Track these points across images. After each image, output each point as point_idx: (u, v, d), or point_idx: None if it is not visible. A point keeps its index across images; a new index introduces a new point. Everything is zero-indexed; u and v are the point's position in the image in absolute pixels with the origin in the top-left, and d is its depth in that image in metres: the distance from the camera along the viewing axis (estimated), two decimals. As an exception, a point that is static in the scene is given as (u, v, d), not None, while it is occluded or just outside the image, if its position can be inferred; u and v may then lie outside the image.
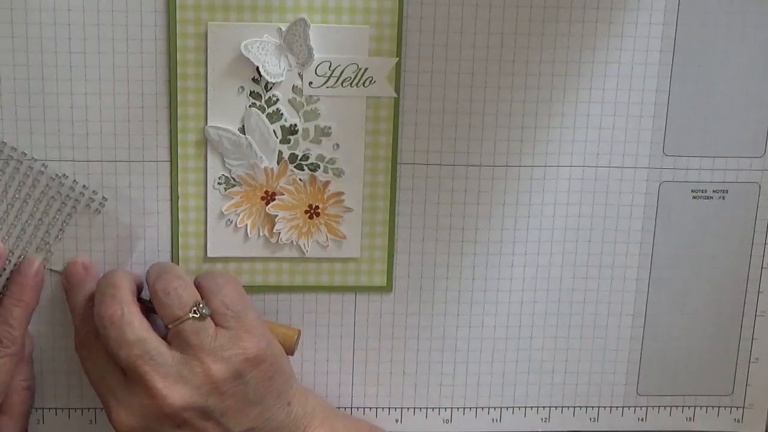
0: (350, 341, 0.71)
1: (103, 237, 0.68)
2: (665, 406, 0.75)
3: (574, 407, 0.74)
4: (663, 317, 0.73)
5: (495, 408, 0.74)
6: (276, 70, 0.65)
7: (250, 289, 0.69)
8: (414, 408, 0.73)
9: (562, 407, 0.74)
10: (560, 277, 0.72)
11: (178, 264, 0.68)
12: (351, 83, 0.66)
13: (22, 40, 0.64)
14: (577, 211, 0.70)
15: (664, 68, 0.68)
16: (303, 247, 0.69)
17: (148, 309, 0.65)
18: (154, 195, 0.67)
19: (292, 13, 0.65)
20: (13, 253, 0.67)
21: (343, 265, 0.70)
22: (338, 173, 0.68)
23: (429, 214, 0.70)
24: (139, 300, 0.65)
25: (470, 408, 0.74)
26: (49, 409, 0.71)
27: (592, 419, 0.75)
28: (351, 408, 0.73)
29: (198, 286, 0.65)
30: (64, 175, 0.66)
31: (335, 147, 0.67)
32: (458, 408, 0.74)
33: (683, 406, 0.75)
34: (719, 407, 0.75)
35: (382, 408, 0.73)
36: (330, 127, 0.67)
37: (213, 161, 0.67)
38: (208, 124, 0.66)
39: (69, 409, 0.71)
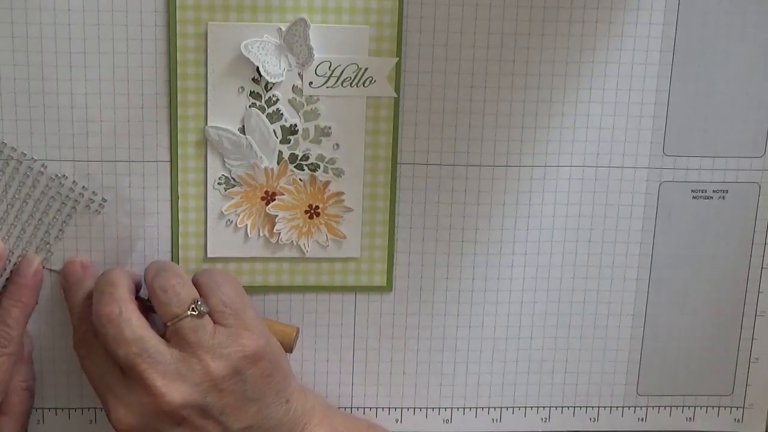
0: (350, 341, 0.71)
1: (103, 237, 0.68)
2: (665, 406, 0.75)
3: (574, 407, 0.74)
4: (663, 317, 0.73)
5: (495, 408, 0.74)
6: (276, 70, 0.65)
7: (251, 290, 0.69)
8: (414, 408, 0.73)
9: (562, 407, 0.74)
10: (560, 277, 0.72)
11: (178, 264, 0.68)
12: (351, 83, 0.66)
13: (22, 40, 0.64)
14: (577, 211, 0.70)
15: (664, 68, 0.68)
16: (303, 247, 0.69)
17: (146, 307, 0.65)
18: (154, 195, 0.67)
19: (292, 13, 0.65)
20: (13, 253, 0.67)
21: (343, 265, 0.70)
22: (338, 173, 0.68)
23: (429, 214, 0.70)
24: (138, 298, 0.65)
25: (470, 408, 0.74)
26: (49, 409, 0.71)
27: (592, 419, 0.75)
28: (351, 408, 0.73)
29: (196, 283, 0.65)
30: (64, 175, 0.66)
31: (335, 147, 0.67)
32: (458, 408, 0.74)
33: (683, 406, 0.75)
34: (719, 407, 0.75)
35: (382, 408, 0.73)
36: (330, 127, 0.67)
37: (213, 161, 0.67)
38: (208, 124, 0.66)
39: (69, 409, 0.71)
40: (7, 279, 0.66)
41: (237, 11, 0.64)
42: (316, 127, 0.67)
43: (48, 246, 0.67)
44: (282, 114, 0.66)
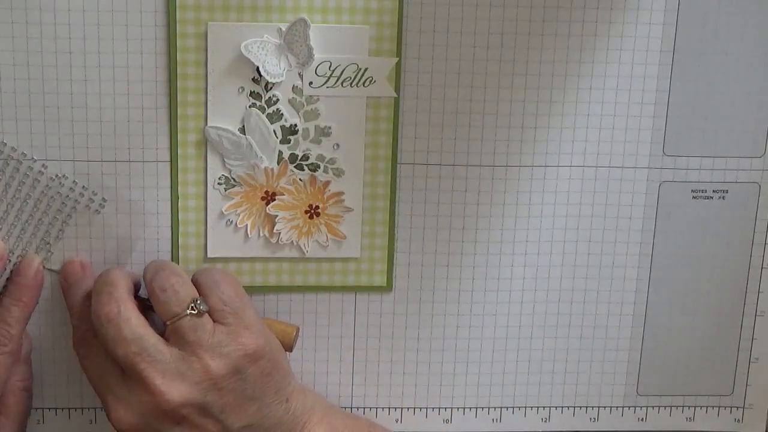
0: (350, 341, 0.71)
1: (103, 237, 0.68)
2: (665, 406, 0.75)
3: (574, 407, 0.74)
4: (663, 317, 0.73)
5: (495, 408, 0.74)
6: (276, 70, 0.65)
7: (250, 290, 0.69)
8: (414, 408, 0.73)
9: (562, 407, 0.74)
10: (560, 277, 0.72)
11: (178, 264, 0.68)
12: (351, 83, 0.66)
13: (22, 40, 0.64)
14: (577, 211, 0.70)
15: (664, 68, 0.68)
16: (303, 247, 0.69)
17: (145, 307, 0.65)
18: (154, 195, 0.67)
19: (292, 13, 0.65)
20: (13, 253, 0.67)
21: (343, 265, 0.70)
22: (338, 173, 0.68)
23: (429, 214, 0.70)
24: (137, 298, 0.65)
25: (470, 408, 0.74)
26: (49, 409, 0.71)
27: (592, 419, 0.75)
28: (351, 408, 0.73)
29: (195, 283, 0.65)
30: (64, 175, 0.66)
31: (335, 147, 0.67)
32: (458, 408, 0.74)
33: (683, 406, 0.75)
34: (719, 407, 0.75)
35: (382, 408, 0.73)
36: (330, 127, 0.67)
37: (213, 161, 0.67)
38: (208, 125, 0.66)
39: (69, 409, 0.71)
40: (7, 279, 0.66)
41: (237, 11, 0.64)
42: (316, 127, 0.67)
43: (48, 246, 0.67)
44: (282, 114, 0.66)
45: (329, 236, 0.69)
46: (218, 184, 0.67)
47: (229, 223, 0.68)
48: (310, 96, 0.66)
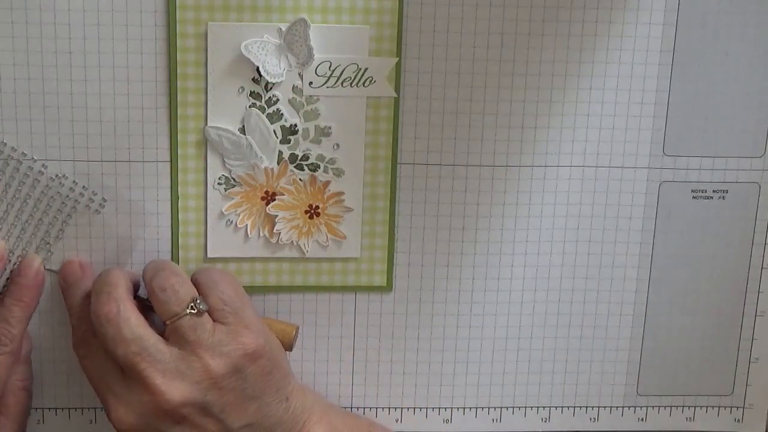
0: (350, 341, 0.71)
1: (103, 237, 0.68)
2: (665, 406, 0.75)
3: (574, 407, 0.74)
4: (663, 317, 0.73)
5: (495, 408, 0.74)
6: (276, 70, 0.65)
7: (251, 290, 0.69)
8: (414, 408, 0.73)
9: (562, 407, 0.74)
10: (560, 277, 0.72)
11: (178, 264, 0.68)
12: (351, 83, 0.66)
13: (22, 40, 0.64)
14: (577, 211, 0.70)
15: (664, 68, 0.68)
16: (303, 247, 0.69)
17: (145, 307, 0.65)
18: (154, 195, 0.67)
19: (292, 13, 0.65)
20: (13, 253, 0.67)
21: (343, 265, 0.70)
22: (338, 173, 0.68)
23: (429, 214, 0.70)
24: (137, 298, 0.65)
25: (470, 408, 0.74)
26: (49, 409, 0.71)
27: (592, 419, 0.75)
28: (351, 408, 0.73)
29: (195, 282, 0.65)
30: (64, 175, 0.66)
31: (335, 147, 0.67)
32: (458, 408, 0.74)
33: (683, 406, 0.75)
34: (719, 407, 0.75)
35: (382, 408, 0.73)
36: (330, 127, 0.67)
37: (213, 161, 0.67)
38: (208, 125, 0.66)
39: (69, 409, 0.71)
40: (7, 279, 0.66)
41: (237, 11, 0.64)
42: (316, 127, 0.67)
43: (48, 246, 0.67)
44: (282, 114, 0.66)
45: (329, 236, 0.69)
46: (218, 184, 0.67)
47: (229, 223, 0.68)
48: (310, 96, 0.66)
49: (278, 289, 0.70)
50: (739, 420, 0.76)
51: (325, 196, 0.68)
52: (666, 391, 0.74)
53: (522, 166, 0.69)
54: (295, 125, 0.66)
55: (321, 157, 0.67)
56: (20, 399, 0.67)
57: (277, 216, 0.68)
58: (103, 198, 0.67)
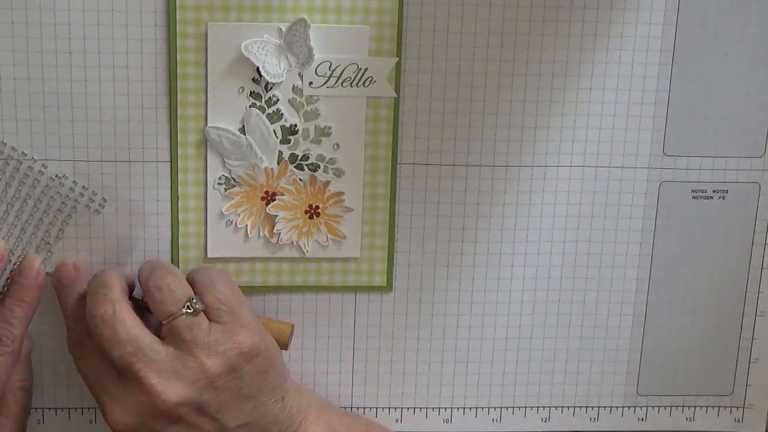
0: (350, 341, 0.71)
1: (103, 237, 0.68)
2: (665, 406, 0.75)
3: (574, 407, 0.74)
4: (663, 317, 0.73)
5: (495, 408, 0.74)
6: (276, 70, 0.65)
7: (251, 290, 0.69)
8: (414, 408, 0.73)
9: (562, 407, 0.74)
10: (560, 277, 0.72)
11: (178, 265, 0.68)
12: (351, 83, 0.66)
13: (22, 40, 0.64)
14: (577, 211, 0.70)
15: (664, 68, 0.68)
16: (303, 247, 0.69)
17: (141, 308, 0.65)
18: (154, 195, 0.67)
19: (292, 13, 0.65)
20: (13, 253, 0.67)
21: (343, 265, 0.70)
22: (338, 173, 0.68)
23: (429, 214, 0.70)
24: (132, 299, 0.65)
25: (470, 408, 0.74)
26: (49, 409, 0.71)
27: (592, 419, 0.75)
28: (351, 408, 0.73)
29: (191, 281, 0.65)
30: (64, 175, 0.66)
31: (335, 147, 0.67)
32: (458, 408, 0.74)
33: (683, 406, 0.75)
34: (719, 407, 0.75)
35: (382, 408, 0.73)
36: (330, 127, 0.67)
37: (213, 161, 0.67)
38: (208, 125, 0.66)
39: (69, 409, 0.71)
40: (8, 279, 0.66)
41: (237, 11, 0.64)
42: (316, 127, 0.67)
43: (48, 246, 0.67)
44: (282, 114, 0.66)
45: (329, 236, 0.69)
46: (218, 184, 0.67)
47: (229, 223, 0.68)
48: (310, 96, 0.66)
49: (278, 289, 0.70)
50: (739, 420, 0.76)
51: (325, 196, 0.68)
52: (666, 391, 0.74)
53: (522, 166, 0.69)
54: (295, 125, 0.66)
55: (321, 157, 0.67)
56: (20, 399, 0.67)
57: (277, 216, 0.68)
58: (103, 198, 0.67)
